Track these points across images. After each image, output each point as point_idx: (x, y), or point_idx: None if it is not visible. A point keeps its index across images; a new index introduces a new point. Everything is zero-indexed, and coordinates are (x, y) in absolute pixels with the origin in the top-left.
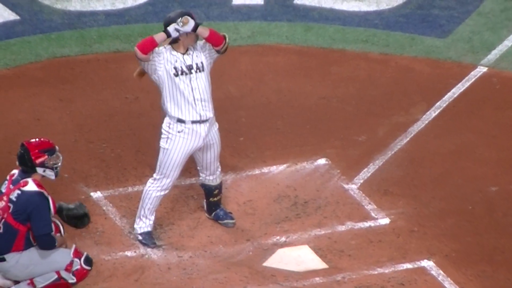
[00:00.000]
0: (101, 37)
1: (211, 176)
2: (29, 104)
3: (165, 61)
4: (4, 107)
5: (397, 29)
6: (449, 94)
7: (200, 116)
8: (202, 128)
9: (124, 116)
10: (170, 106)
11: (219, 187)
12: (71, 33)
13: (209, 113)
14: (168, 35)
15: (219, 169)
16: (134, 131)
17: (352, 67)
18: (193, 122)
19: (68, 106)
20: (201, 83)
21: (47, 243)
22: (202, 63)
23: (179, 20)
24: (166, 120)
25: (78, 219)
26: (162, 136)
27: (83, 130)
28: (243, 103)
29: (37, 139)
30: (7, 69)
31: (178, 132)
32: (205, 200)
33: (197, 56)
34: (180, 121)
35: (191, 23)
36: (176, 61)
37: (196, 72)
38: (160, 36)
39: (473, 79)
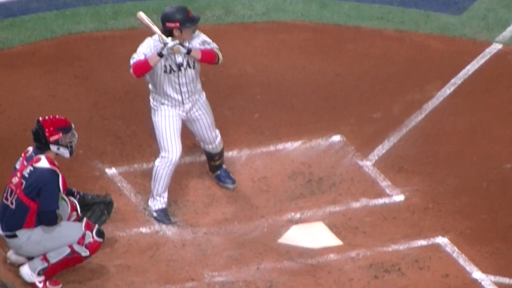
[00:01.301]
0: (116, 14)
1: (209, 145)
2: (44, 81)
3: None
4: (19, 84)
5: (412, 6)
6: (464, 71)
7: (183, 102)
8: (186, 105)
9: (139, 93)
10: (154, 92)
11: (220, 153)
12: (86, 9)
13: (192, 97)
14: (161, 56)
15: (218, 138)
16: (149, 108)
17: (367, 44)
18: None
19: (83, 82)
20: (189, 78)
21: (50, 220)
22: (194, 61)
23: (171, 45)
24: (150, 94)
25: (106, 204)
26: (152, 111)
27: (98, 107)
28: (258, 80)
29: (53, 117)
30: (22, 45)
31: (162, 104)
32: (207, 161)
33: None
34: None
35: (183, 50)
36: (167, 59)
37: (185, 69)
38: (154, 60)
39: (488, 56)
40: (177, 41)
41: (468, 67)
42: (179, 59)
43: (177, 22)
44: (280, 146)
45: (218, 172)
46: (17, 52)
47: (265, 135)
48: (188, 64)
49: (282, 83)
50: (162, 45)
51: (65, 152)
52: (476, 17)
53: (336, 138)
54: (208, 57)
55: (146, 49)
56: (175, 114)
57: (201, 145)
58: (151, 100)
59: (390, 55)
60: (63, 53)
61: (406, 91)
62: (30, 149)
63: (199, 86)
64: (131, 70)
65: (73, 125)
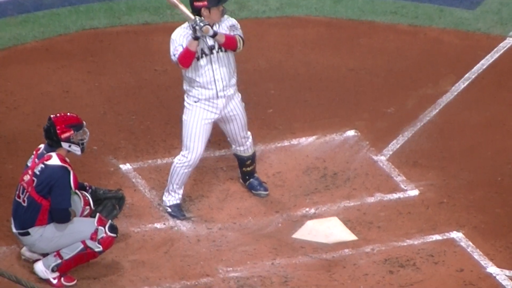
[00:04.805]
0: (130, 9)
1: (241, 147)
2: (58, 77)
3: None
4: (33, 80)
5: (426, 1)
6: (478, 65)
7: (218, 96)
8: (220, 101)
9: (153, 88)
10: (189, 85)
11: (252, 157)
12: (99, 5)
13: (228, 91)
14: (196, 38)
15: (250, 140)
16: (163, 103)
17: (381, 39)
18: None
19: (96, 78)
20: (222, 63)
21: (63, 217)
22: None
23: (200, 26)
24: (185, 94)
25: (117, 199)
26: (184, 110)
27: (112, 103)
28: (272, 75)
29: (64, 114)
30: (35, 41)
31: (195, 102)
32: (239, 168)
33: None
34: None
35: (211, 32)
36: (199, 43)
37: (217, 52)
38: (193, 45)
39: (502, 51)
40: (206, 22)
41: (482, 61)
42: (211, 41)
43: (205, 1)
44: (294, 141)
45: (251, 180)
46: (30, 48)
47: (279, 130)
48: (219, 47)
49: (295, 78)
50: (192, 29)
51: (76, 150)
52: (490, 12)
53: (351, 133)
54: (229, 43)
55: (181, 39)
56: (207, 117)
57: (232, 148)
58: (186, 99)
59: (404, 50)
60: (77, 49)
61: (420, 85)
62: (42, 146)
63: (234, 80)
64: (180, 64)
65: (84, 123)
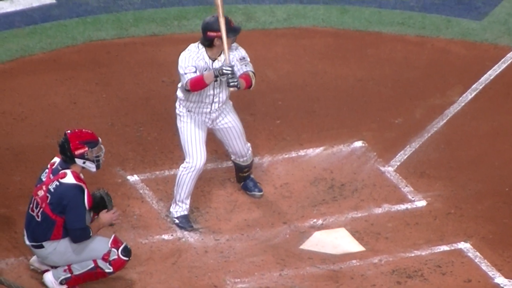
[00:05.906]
0: (137, 21)
1: (241, 158)
2: (66, 88)
3: (197, 68)
4: (41, 91)
5: (433, 11)
6: (486, 76)
7: (211, 112)
8: (213, 114)
9: (161, 99)
10: (184, 96)
11: (249, 166)
12: (107, 16)
13: (221, 107)
14: (216, 75)
15: (250, 151)
16: (171, 114)
17: (388, 50)
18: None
19: (104, 89)
20: (222, 89)
21: (78, 237)
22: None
23: (229, 83)
24: (177, 101)
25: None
26: (177, 117)
27: (119, 114)
28: (280, 86)
29: (80, 130)
30: (43, 53)
31: (188, 111)
32: (235, 172)
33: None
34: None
35: (235, 89)
36: (206, 69)
37: (220, 79)
38: (209, 78)
39: (509, 61)
40: (235, 75)
41: (489, 72)
42: (217, 66)
43: (219, 32)
44: (302, 152)
45: (246, 181)
46: (38, 59)
47: (286, 141)
48: (223, 74)
49: (303, 89)
50: (218, 73)
51: (91, 167)
52: (497, 22)
53: (358, 144)
54: (246, 86)
55: (190, 60)
56: (201, 121)
57: (232, 158)
58: (177, 106)
59: (411, 60)
60: (84, 60)
61: (427, 96)
62: (56, 160)
63: (226, 100)
64: (189, 85)
65: (100, 139)
